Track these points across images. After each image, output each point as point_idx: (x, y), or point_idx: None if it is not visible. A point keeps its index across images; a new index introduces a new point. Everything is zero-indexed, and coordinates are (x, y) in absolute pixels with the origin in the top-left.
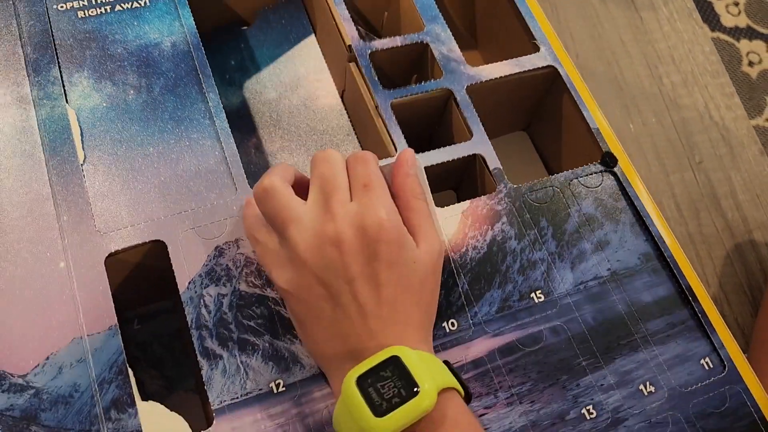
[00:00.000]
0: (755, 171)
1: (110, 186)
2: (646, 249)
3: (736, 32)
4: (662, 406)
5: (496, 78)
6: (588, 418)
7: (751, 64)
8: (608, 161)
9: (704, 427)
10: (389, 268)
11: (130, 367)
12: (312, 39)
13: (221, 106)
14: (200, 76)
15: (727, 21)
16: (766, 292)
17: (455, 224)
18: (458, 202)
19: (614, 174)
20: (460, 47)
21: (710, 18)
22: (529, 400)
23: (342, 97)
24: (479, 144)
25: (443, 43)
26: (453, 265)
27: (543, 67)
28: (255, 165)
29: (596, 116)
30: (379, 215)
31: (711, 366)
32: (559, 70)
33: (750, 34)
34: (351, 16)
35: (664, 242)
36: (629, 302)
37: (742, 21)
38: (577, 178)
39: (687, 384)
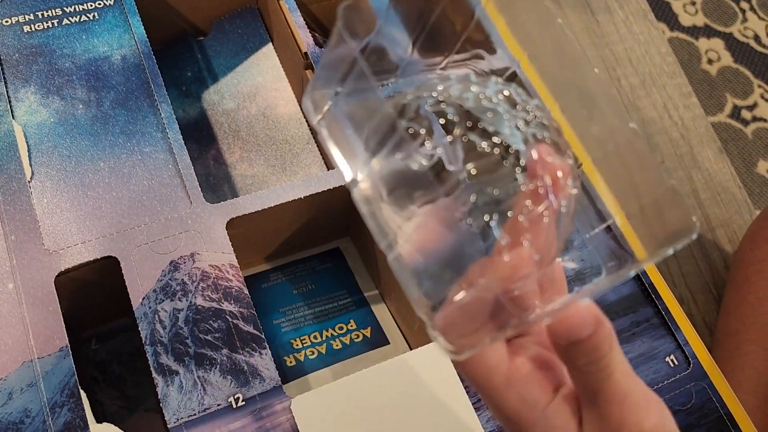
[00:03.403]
0: (715, 169)
1: (59, 203)
2: (613, 245)
3: (695, 31)
4: None
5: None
6: None
7: (710, 62)
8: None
9: None
10: None
11: (87, 388)
12: (269, 48)
13: (174, 117)
14: (152, 87)
15: (685, 20)
16: (726, 292)
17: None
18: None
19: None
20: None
21: (668, 18)
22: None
23: (301, 105)
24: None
25: (398, 45)
26: None
27: (501, 69)
28: (214, 177)
29: (558, 118)
30: None
31: (676, 363)
32: (518, 72)
33: (708, 32)
34: (308, 24)
35: (626, 241)
36: (594, 301)
37: (700, 20)
38: None
39: (653, 382)
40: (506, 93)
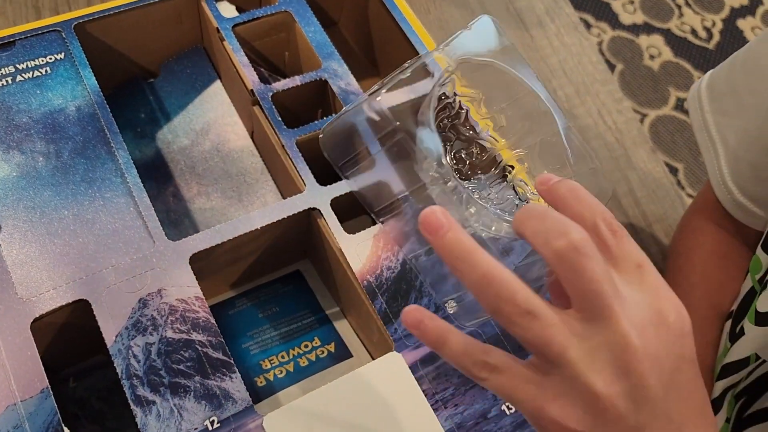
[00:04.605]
0: (648, 168)
1: (28, 252)
2: None
3: (635, 29)
4: None
5: (394, 106)
6: (508, 413)
7: (651, 57)
8: (505, 173)
9: None
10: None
11: (70, 425)
12: (218, 84)
13: (131, 162)
14: (108, 135)
15: (626, 19)
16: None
17: (368, 248)
18: (373, 224)
19: (511, 184)
20: (362, 75)
21: (609, 17)
22: (453, 404)
23: (252, 137)
24: None
25: (341, 77)
26: (370, 287)
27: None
28: (174, 212)
29: (491, 132)
30: (679, 308)
31: None
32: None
33: (648, 29)
34: (254, 59)
35: None
36: None
37: (639, 18)
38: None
39: None
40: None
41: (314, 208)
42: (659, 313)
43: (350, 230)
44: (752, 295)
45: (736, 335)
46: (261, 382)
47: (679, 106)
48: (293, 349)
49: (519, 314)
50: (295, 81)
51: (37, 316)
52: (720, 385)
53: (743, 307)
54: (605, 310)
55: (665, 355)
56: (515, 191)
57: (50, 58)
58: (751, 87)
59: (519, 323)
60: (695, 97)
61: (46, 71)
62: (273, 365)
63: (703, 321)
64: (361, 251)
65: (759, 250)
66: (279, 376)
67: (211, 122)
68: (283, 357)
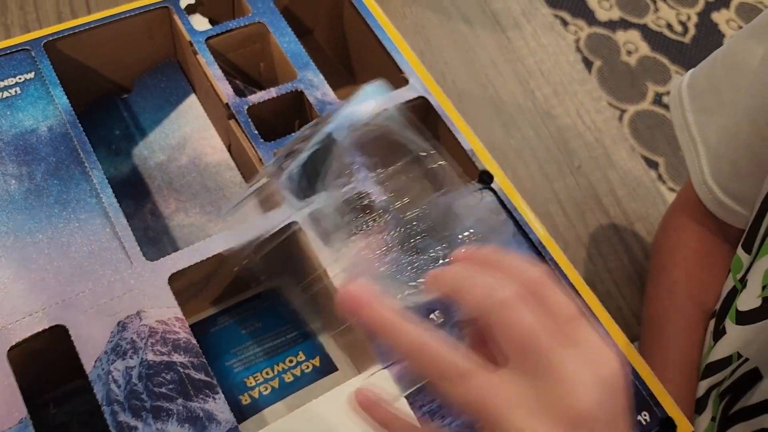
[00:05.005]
0: (629, 167)
1: (2, 279)
2: (530, 256)
3: (612, 25)
4: None
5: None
6: None
7: (629, 53)
8: (485, 179)
9: None
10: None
11: None
12: (193, 98)
13: (106, 181)
14: (81, 155)
15: (602, 15)
16: (647, 281)
17: (348, 261)
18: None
19: (492, 190)
20: (338, 82)
21: (586, 14)
22: (440, 416)
23: (230, 150)
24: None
25: (317, 88)
26: None
27: (414, 99)
28: (152, 230)
29: (469, 138)
30: (612, 361)
31: None
32: (429, 99)
33: (624, 25)
34: (228, 71)
35: (545, 248)
36: None
37: (615, 14)
38: (458, 199)
39: None
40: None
41: (293, 222)
42: (594, 367)
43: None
44: (734, 294)
45: (718, 334)
46: (246, 400)
47: (657, 100)
48: (277, 365)
49: (454, 379)
50: (271, 93)
51: (14, 343)
52: (704, 384)
53: (725, 307)
54: (543, 365)
55: (603, 410)
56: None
57: (20, 78)
58: (731, 83)
59: (455, 389)
60: (676, 96)
61: (16, 92)
62: (258, 382)
63: (688, 320)
64: (342, 264)
65: (739, 250)
66: (264, 393)
67: (187, 136)
68: (267, 373)
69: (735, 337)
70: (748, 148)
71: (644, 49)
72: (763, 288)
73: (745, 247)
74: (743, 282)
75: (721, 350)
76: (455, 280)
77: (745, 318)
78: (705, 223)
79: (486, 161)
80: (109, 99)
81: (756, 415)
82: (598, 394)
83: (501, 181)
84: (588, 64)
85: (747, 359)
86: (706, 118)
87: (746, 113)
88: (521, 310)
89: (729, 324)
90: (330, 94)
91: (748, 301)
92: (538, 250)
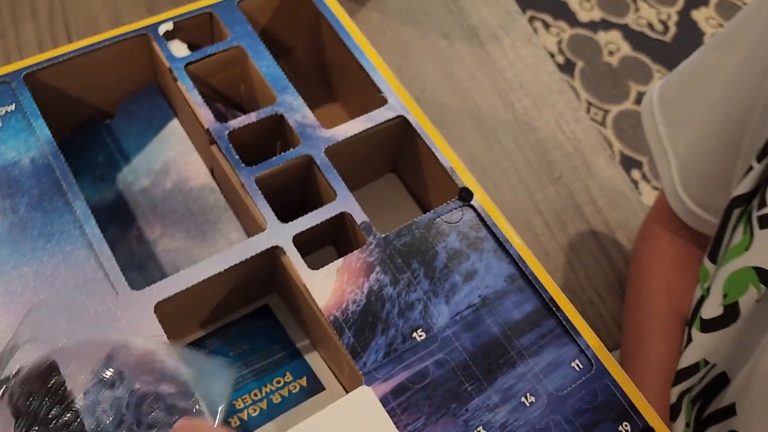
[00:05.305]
0: (608, 175)
1: None
2: (510, 271)
3: (593, 26)
4: (543, 413)
5: (351, 136)
6: None
7: (611, 53)
8: (465, 196)
9: (582, 423)
10: None
11: None
12: (175, 122)
13: (89, 212)
14: (63, 185)
15: (583, 16)
16: (626, 289)
17: (332, 282)
18: (339, 255)
19: (472, 207)
20: (319, 101)
21: (567, 16)
22: None
23: (213, 174)
24: (345, 202)
25: (297, 110)
26: (337, 322)
27: (393, 118)
28: (138, 256)
29: (448, 155)
30: None
31: (581, 366)
32: (408, 117)
33: (605, 25)
34: (209, 95)
35: (524, 261)
36: (502, 323)
37: (596, 15)
38: (439, 216)
39: (562, 387)
40: None
41: (277, 246)
42: None
43: (314, 265)
44: (701, 302)
45: (688, 342)
46: (235, 423)
47: (640, 100)
48: (265, 386)
49: None
50: (251, 117)
51: (2, 378)
52: (676, 391)
53: (693, 315)
54: None
55: None
56: None
57: (0, 111)
58: (698, 96)
59: None
60: (648, 108)
61: None
62: (246, 404)
63: (666, 328)
64: (326, 286)
65: (705, 260)
66: (253, 414)
67: (171, 161)
68: (256, 395)
69: (700, 345)
70: (713, 161)
71: (626, 49)
72: (724, 296)
73: (711, 256)
74: (709, 291)
75: (688, 358)
76: None
77: (708, 326)
78: (679, 232)
79: (465, 178)
80: (92, 125)
81: (726, 417)
82: None
83: (480, 198)
84: (570, 65)
85: (715, 365)
86: (676, 130)
87: (712, 126)
88: None
89: (694, 332)
90: (310, 116)
91: (711, 309)
92: (517, 264)
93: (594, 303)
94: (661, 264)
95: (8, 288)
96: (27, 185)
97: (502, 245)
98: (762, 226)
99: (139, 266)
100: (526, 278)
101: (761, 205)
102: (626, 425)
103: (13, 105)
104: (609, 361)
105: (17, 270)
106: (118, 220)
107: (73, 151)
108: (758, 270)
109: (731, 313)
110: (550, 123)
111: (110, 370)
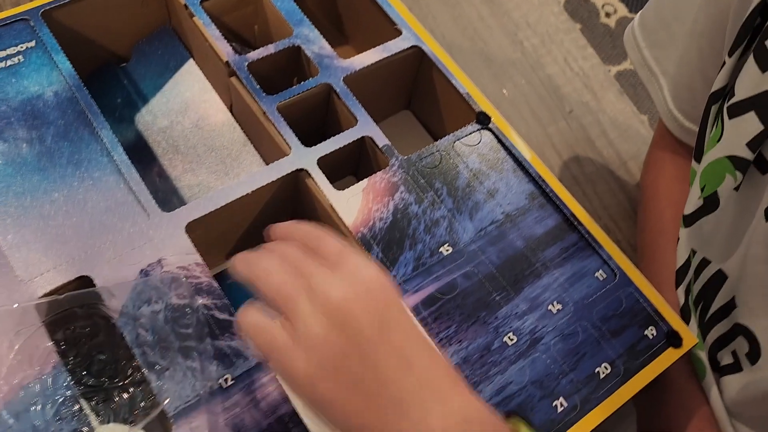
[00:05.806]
0: (618, 109)
1: (23, 236)
2: (530, 189)
3: None
4: (570, 319)
5: (368, 65)
6: (510, 343)
7: (608, 15)
8: (483, 119)
9: (608, 329)
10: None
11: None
12: (191, 63)
13: (116, 140)
14: (89, 116)
15: None
16: (638, 213)
17: (358, 202)
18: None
19: (490, 130)
20: (331, 44)
21: None
22: (457, 340)
23: (231, 111)
24: (365, 126)
25: (313, 42)
26: (365, 238)
27: (408, 48)
28: (162, 192)
29: (465, 82)
30: (378, 278)
31: (605, 276)
32: (423, 48)
33: None
34: (224, 35)
35: (544, 180)
36: (525, 237)
37: None
38: (458, 139)
39: (587, 296)
40: None
41: (302, 169)
42: (352, 278)
43: (340, 188)
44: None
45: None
46: None
47: None
48: None
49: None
50: (269, 49)
51: (41, 295)
52: (680, 292)
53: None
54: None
55: (372, 313)
56: None
57: (21, 47)
58: (676, 15)
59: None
60: (630, 37)
61: (19, 60)
62: None
63: (675, 242)
64: (352, 205)
65: (693, 162)
66: None
67: (189, 101)
68: None
69: (685, 239)
70: (700, 72)
71: (622, 10)
72: (702, 189)
73: (696, 157)
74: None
75: (680, 257)
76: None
77: (689, 220)
78: (679, 151)
79: (482, 103)
80: (108, 68)
81: (729, 312)
82: (351, 293)
83: (498, 122)
84: None
85: (710, 262)
86: (661, 52)
87: (693, 41)
88: (272, 276)
89: (681, 230)
90: (327, 47)
91: (691, 204)
92: (537, 183)
93: (611, 230)
94: (665, 184)
95: (41, 212)
96: (52, 117)
97: (521, 165)
98: (731, 116)
99: (164, 201)
100: (546, 196)
101: (730, 96)
102: (652, 329)
103: (34, 41)
104: (632, 271)
105: (48, 195)
106: (140, 160)
107: (91, 93)
108: (732, 158)
109: (711, 202)
110: (559, 60)
111: (147, 285)
